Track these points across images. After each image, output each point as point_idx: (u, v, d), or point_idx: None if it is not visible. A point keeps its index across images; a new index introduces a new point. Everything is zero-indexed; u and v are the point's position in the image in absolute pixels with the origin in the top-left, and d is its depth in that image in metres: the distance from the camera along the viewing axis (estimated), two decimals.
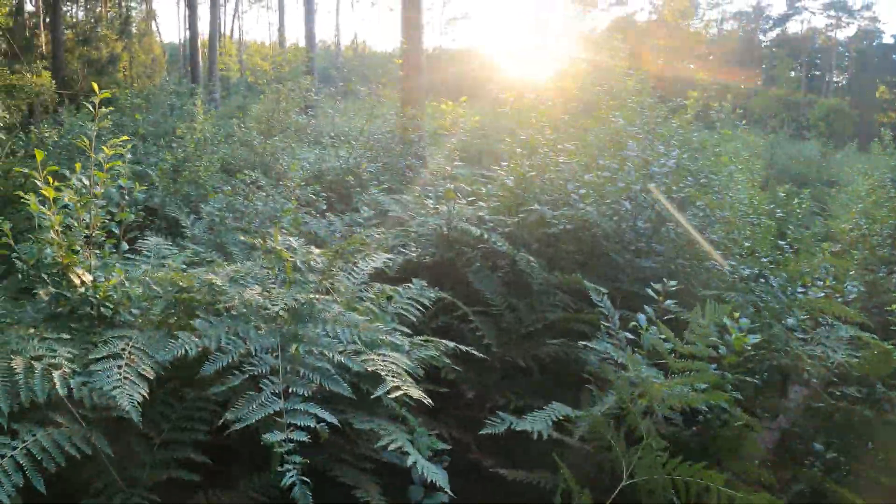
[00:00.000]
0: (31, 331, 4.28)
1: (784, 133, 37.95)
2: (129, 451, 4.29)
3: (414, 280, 6.16)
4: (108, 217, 5.11)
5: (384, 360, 4.32)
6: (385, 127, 16.10)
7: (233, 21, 78.46)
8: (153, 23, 42.17)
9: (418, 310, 5.76)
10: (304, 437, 3.78)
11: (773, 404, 6.14)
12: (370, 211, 9.42)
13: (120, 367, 3.97)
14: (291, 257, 5.11)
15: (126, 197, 5.64)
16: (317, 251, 5.34)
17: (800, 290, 7.03)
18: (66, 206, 4.67)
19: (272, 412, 3.93)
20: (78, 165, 4.93)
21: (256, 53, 57.00)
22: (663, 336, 5.00)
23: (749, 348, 5.38)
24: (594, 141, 10.46)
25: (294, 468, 3.61)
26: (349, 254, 5.59)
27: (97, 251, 5.00)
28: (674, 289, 5.91)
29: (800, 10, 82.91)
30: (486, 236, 7.19)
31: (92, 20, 32.05)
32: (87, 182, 4.87)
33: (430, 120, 16.86)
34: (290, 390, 4.09)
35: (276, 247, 5.14)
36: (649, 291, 5.96)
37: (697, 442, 5.34)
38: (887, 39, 79.25)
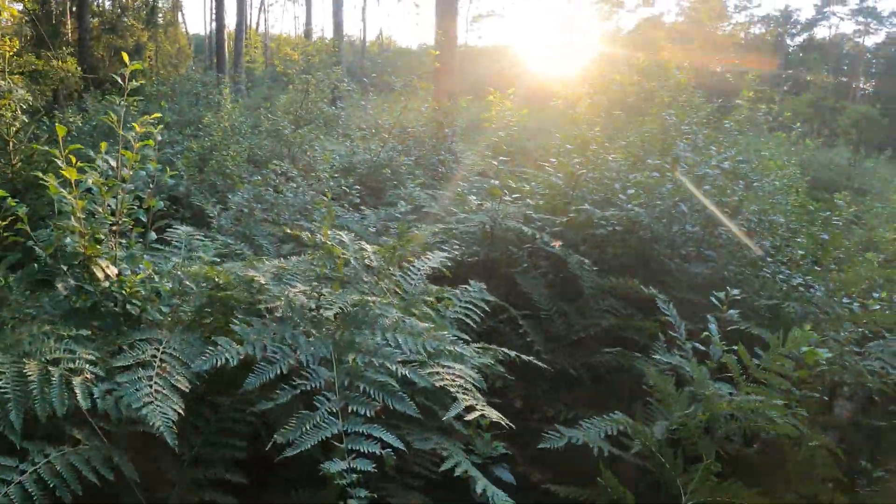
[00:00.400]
0: (47, 328, 3.77)
1: (814, 139, 37.41)
2: (155, 469, 3.78)
3: (471, 282, 5.67)
4: (136, 204, 4.59)
5: (450, 374, 3.84)
6: (418, 121, 15.69)
7: (259, 14, 79.11)
8: (179, 13, 42.28)
9: (478, 315, 5.30)
10: (369, 467, 3.31)
11: (826, 420, 5.78)
12: (406, 206, 9.01)
13: (150, 377, 3.50)
14: (343, 254, 4.57)
15: (151, 184, 5.16)
16: (370, 248, 4.78)
17: (845, 300, 6.73)
18: (89, 190, 4.16)
19: (329, 435, 3.43)
20: (104, 145, 4.41)
21: (285, 44, 56.67)
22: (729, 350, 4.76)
23: (823, 363, 5.00)
24: (637, 140, 10.00)
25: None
26: (407, 252, 5.07)
27: (123, 241, 4.49)
28: (737, 298, 5.72)
29: (828, 16, 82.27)
30: (537, 236, 6.78)
31: (118, 9, 31.99)
32: (113, 164, 4.35)
33: (464, 115, 16.50)
34: (350, 409, 3.60)
35: (326, 241, 4.59)
36: (713, 299, 5.73)
37: (762, 461, 5.00)
38: None
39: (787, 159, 12.19)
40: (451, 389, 3.70)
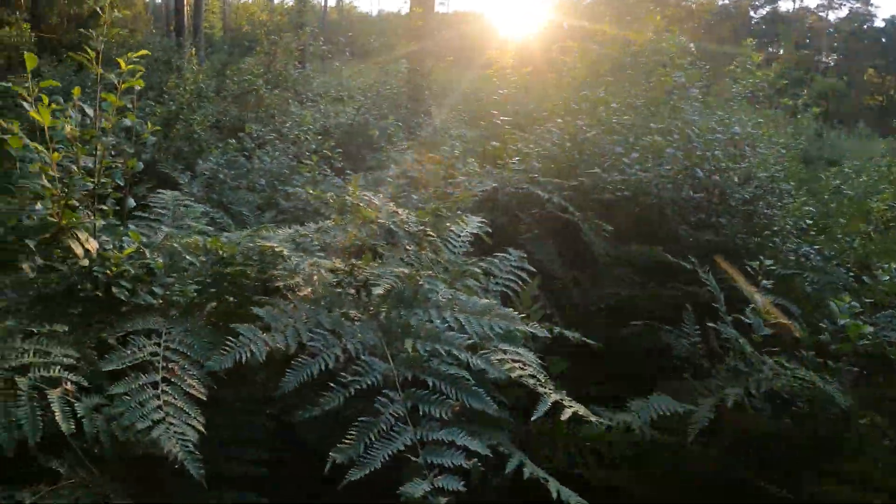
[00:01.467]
0: (11, 323, 2.96)
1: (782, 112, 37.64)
2: (161, 496, 2.92)
3: (510, 250, 4.93)
4: (115, 163, 3.75)
5: (516, 360, 3.18)
6: (393, 85, 15.11)
7: None
8: None
9: (519, 286, 4.61)
10: (459, 485, 2.63)
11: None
12: (395, 169, 8.42)
13: (156, 384, 2.74)
14: (378, 217, 3.77)
15: (129, 141, 4.36)
16: (403, 210, 4.02)
17: (840, 270, 6.78)
18: (62, 143, 3.32)
19: (402, 447, 2.72)
20: (77, 90, 3.60)
21: (250, 8, 55.30)
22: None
23: (869, 337, 4.75)
24: (642, 103, 9.42)
25: None
26: (453, 214, 4.28)
27: (103, 207, 3.69)
28: (771, 268, 5.55)
29: None
30: (555, 201, 6.20)
31: None
32: (90, 112, 3.54)
33: (440, 80, 15.95)
34: (423, 411, 2.90)
35: (357, 203, 3.75)
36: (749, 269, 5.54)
37: (802, 437, 4.53)
38: (879, 23, 79.52)
39: (786, 129, 11.78)
40: (529, 382, 3.06)
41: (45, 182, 3.19)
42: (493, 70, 7.88)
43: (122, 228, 3.65)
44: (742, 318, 4.78)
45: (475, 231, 4.81)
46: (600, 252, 6.20)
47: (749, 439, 4.20)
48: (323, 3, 59.94)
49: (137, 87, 3.72)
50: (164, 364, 2.89)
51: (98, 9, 3.82)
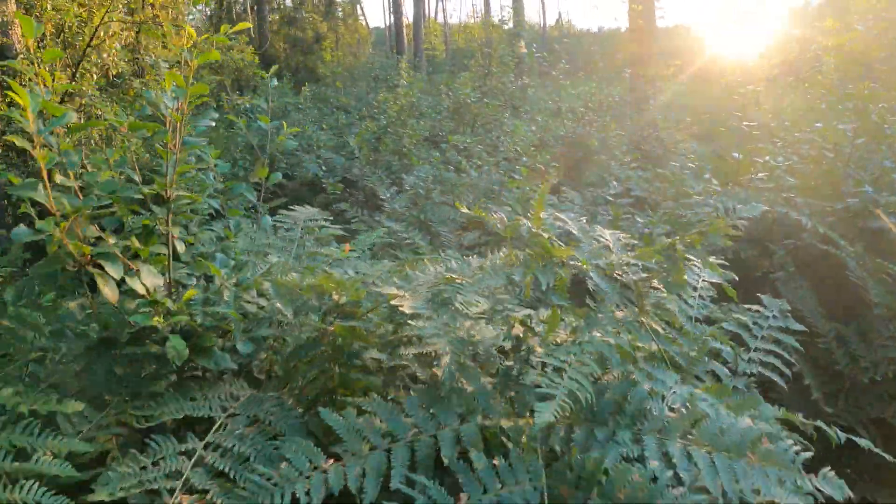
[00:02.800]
0: (13, 391, 2.00)
1: None
2: None
3: (764, 298, 3.58)
4: (201, 167, 2.87)
5: None
6: (614, 97, 14.22)
7: (436, 4, 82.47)
8: (357, 7, 43.17)
9: (785, 363, 3.25)
10: None
11: None
12: (618, 187, 7.38)
13: None
14: (574, 258, 2.28)
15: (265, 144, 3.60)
16: (618, 245, 2.64)
17: None
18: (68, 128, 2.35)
19: None
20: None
21: (471, 26, 56.43)
22: None
23: None
24: None
25: None
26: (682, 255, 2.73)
27: (194, 228, 2.72)
28: None
29: None
30: (820, 229, 4.84)
31: (298, 3, 33.88)
32: (172, 105, 2.58)
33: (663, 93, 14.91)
34: None
35: (538, 232, 2.35)
36: None
37: None
38: None
39: None
40: None
41: (41, 193, 2.19)
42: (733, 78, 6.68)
43: (206, 259, 2.63)
44: None
45: (716, 280, 3.35)
46: (877, 299, 4.69)
47: None
48: (542, 23, 60.17)
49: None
50: (182, 490, 1.81)
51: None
